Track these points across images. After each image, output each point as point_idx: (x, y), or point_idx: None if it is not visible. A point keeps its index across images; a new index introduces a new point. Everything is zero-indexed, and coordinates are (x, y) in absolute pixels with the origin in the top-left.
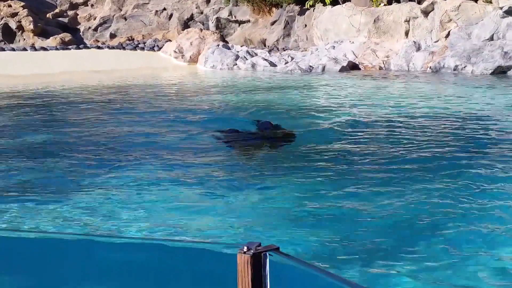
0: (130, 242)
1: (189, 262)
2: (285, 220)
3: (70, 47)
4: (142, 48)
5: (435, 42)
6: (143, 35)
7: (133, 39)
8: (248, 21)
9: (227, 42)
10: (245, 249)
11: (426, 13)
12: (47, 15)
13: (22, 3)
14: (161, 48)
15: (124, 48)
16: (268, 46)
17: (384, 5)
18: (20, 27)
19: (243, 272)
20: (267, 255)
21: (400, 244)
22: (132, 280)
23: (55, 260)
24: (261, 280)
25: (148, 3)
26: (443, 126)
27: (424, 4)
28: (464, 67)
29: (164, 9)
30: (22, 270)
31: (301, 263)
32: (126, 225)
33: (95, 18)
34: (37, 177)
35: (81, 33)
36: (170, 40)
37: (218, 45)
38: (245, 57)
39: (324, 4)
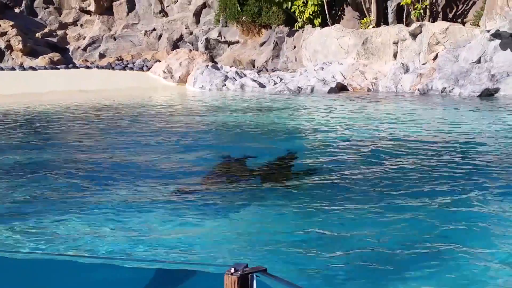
0: (117, 265)
1: (176, 282)
2: (272, 242)
3: (59, 66)
4: (131, 68)
5: (423, 64)
6: (132, 55)
7: (122, 59)
8: (238, 41)
9: (216, 63)
10: (232, 270)
11: (414, 35)
12: (36, 35)
13: (11, 23)
14: (150, 68)
15: (113, 68)
16: (257, 67)
17: (373, 27)
18: (9, 47)
19: None
20: (254, 276)
21: (389, 267)
22: None
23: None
24: None
25: (137, 24)
26: (430, 147)
27: (412, 27)
28: (452, 89)
29: (154, 29)
30: None
31: (289, 284)
32: (114, 246)
33: (84, 38)
34: (22, 196)
35: (70, 53)
36: (159, 61)
37: (207, 65)
38: (234, 78)
39: (313, 26)
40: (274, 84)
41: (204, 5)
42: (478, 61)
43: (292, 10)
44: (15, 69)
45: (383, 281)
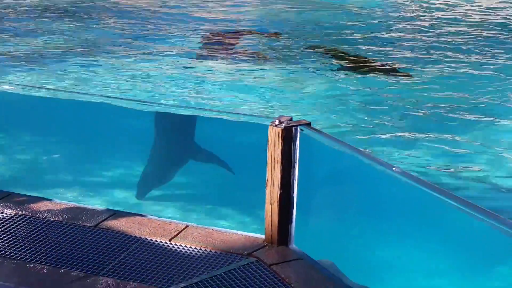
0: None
1: (223, 131)
2: (320, 100)
3: None
4: None
5: None
6: None
7: None
8: None
9: None
10: (276, 122)
11: None
12: None
13: None
14: None
15: None
16: None
17: None
18: None
19: (274, 144)
20: (298, 129)
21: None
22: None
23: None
24: (290, 153)
25: None
26: None
27: None
28: None
29: None
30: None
31: (332, 139)
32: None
33: None
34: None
35: None
36: None
37: None
38: None
39: None
40: None
41: None
42: None
43: None
44: None
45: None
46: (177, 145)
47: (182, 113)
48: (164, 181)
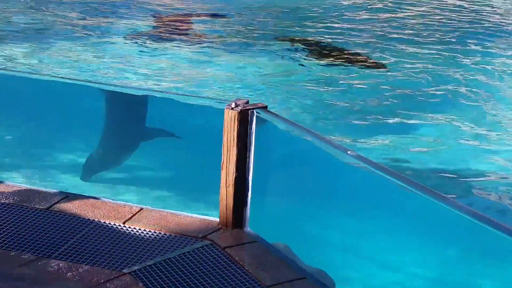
0: (121, 92)
1: (177, 114)
2: (275, 83)
3: None
4: None
5: None
6: None
7: None
8: None
9: None
10: (233, 105)
11: None
12: None
13: None
14: None
15: None
16: None
17: None
18: None
19: (229, 127)
20: (255, 112)
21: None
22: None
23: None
24: (246, 136)
25: None
26: None
27: None
28: None
29: None
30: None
31: (288, 122)
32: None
33: None
34: None
35: None
36: None
37: None
38: None
39: None
40: None
41: None
42: None
43: None
44: None
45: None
46: (128, 127)
47: (134, 94)
48: (112, 164)
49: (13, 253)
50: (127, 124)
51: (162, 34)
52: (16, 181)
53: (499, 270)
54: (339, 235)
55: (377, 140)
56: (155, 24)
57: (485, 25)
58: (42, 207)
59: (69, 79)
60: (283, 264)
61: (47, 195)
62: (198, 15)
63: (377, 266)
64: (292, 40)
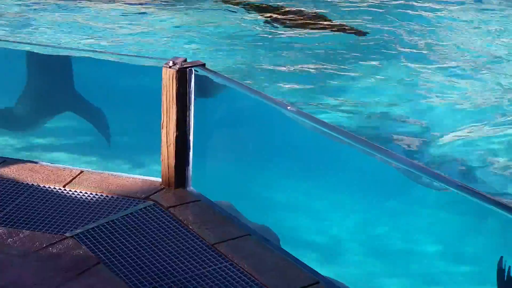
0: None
1: (114, 74)
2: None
3: None
4: None
5: None
6: None
7: None
8: None
9: None
10: (170, 63)
11: None
12: None
13: None
14: None
15: None
16: None
17: None
18: None
19: (168, 86)
20: (193, 70)
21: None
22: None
23: None
24: (185, 95)
25: None
26: None
27: None
28: None
29: None
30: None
31: (226, 79)
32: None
33: None
34: None
35: None
36: None
37: None
38: None
39: None
40: None
41: None
42: None
43: None
44: None
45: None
46: (51, 89)
47: (55, 55)
48: (27, 123)
49: None
50: (48, 85)
51: None
52: None
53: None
54: (282, 191)
55: (322, 103)
56: None
57: None
58: None
59: None
60: (227, 221)
61: None
62: None
63: (319, 222)
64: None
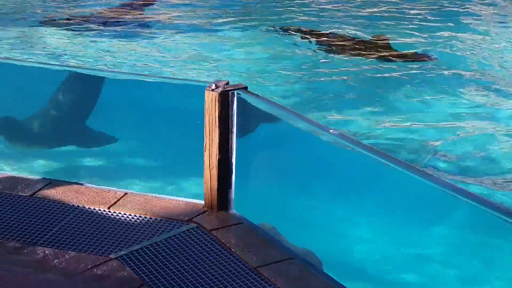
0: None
1: (159, 97)
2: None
3: None
4: None
5: None
6: None
7: None
8: None
9: None
10: (213, 86)
11: None
12: None
13: None
14: None
15: None
16: None
17: None
18: None
19: (211, 109)
20: (235, 93)
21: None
22: (109, 113)
23: None
24: (227, 117)
25: None
26: None
27: None
28: None
29: None
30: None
31: (269, 103)
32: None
33: None
34: None
35: None
36: None
37: None
38: None
39: None
40: None
41: None
42: None
43: None
44: None
45: None
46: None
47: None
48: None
49: None
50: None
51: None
52: None
53: None
54: (325, 214)
55: (358, 121)
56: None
57: None
58: (25, 194)
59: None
60: (270, 245)
61: (30, 182)
62: None
63: (363, 246)
64: (281, 26)
